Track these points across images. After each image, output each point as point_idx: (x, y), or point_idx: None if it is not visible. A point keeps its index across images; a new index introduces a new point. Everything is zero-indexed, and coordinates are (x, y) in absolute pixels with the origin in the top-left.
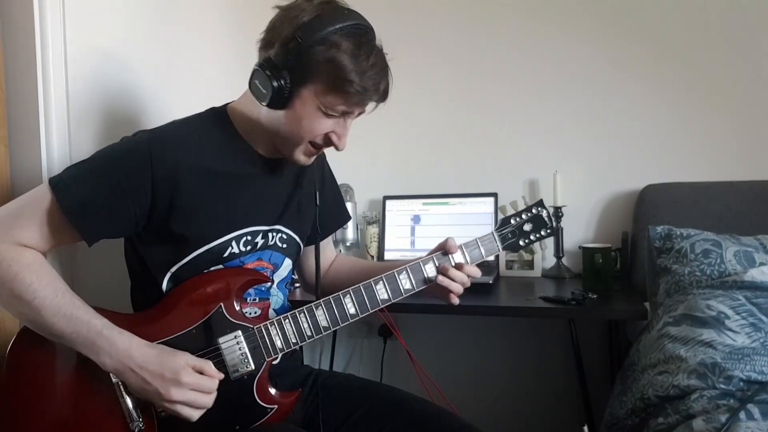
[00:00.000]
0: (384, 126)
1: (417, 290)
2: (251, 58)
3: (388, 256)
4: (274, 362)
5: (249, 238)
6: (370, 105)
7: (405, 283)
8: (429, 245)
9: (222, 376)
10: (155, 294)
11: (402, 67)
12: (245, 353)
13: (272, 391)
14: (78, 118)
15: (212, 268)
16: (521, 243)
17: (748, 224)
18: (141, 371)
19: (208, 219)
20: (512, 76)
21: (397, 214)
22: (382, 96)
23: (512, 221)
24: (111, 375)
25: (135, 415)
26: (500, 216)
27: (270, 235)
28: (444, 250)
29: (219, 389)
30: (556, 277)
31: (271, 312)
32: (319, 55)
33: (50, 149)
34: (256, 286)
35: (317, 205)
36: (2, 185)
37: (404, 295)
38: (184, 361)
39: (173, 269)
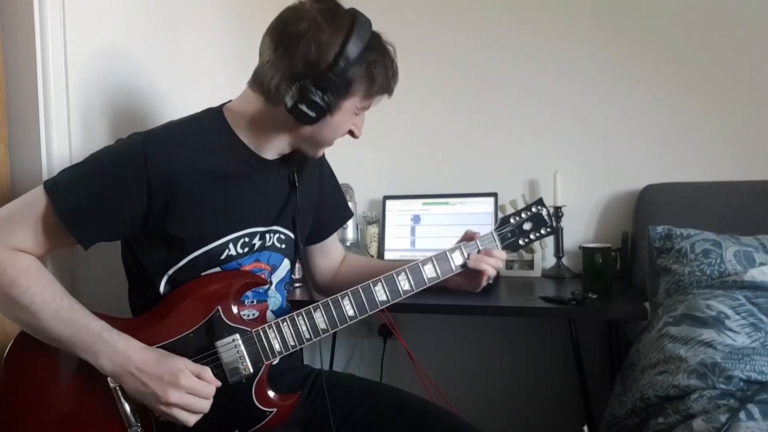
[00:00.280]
0: (384, 126)
1: (416, 291)
2: (252, 57)
3: (388, 256)
4: (273, 363)
5: (246, 240)
6: None
7: (404, 284)
8: (429, 245)
9: (219, 383)
10: (153, 297)
11: (402, 67)
12: (243, 357)
13: (271, 394)
14: (78, 118)
15: (209, 271)
16: (521, 242)
17: (748, 224)
18: (139, 374)
19: (204, 221)
20: (512, 76)
21: (397, 214)
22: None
23: (511, 220)
24: (109, 379)
25: (133, 419)
26: (500, 215)
27: (267, 236)
28: (467, 238)
29: (217, 393)
30: (556, 277)
31: (269, 314)
32: (359, 73)
33: (50, 149)
34: (254, 289)
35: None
36: (2, 185)
37: (403, 297)
38: (183, 364)
39: (170, 272)
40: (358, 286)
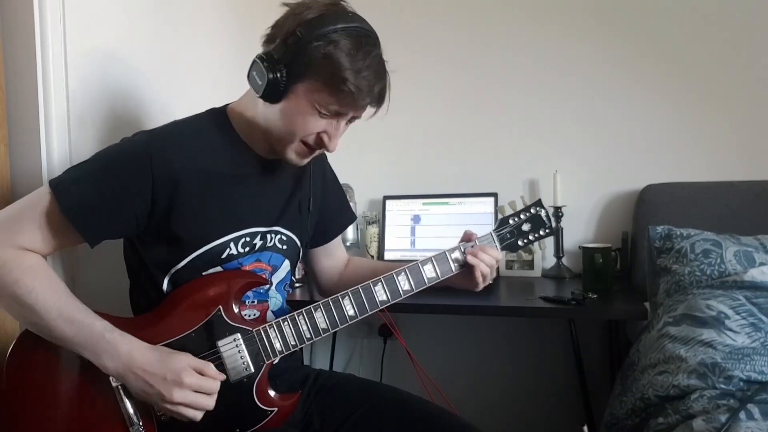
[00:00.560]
0: (384, 126)
1: (416, 291)
2: (252, 56)
3: (388, 256)
4: (274, 363)
5: (248, 239)
6: (368, 111)
7: (404, 284)
8: (429, 245)
9: (223, 377)
10: (155, 295)
11: (402, 68)
12: (244, 356)
13: (272, 393)
14: (78, 118)
15: (210, 270)
16: (520, 243)
17: (748, 224)
18: (143, 374)
19: (206, 220)
20: (512, 76)
21: (397, 214)
22: (377, 99)
23: (510, 221)
24: (111, 379)
25: (135, 419)
26: (499, 216)
27: (269, 236)
28: (466, 238)
29: (219, 392)
30: (556, 277)
31: (269, 314)
32: (316, 51)
33: (50, 149)
34: (254, 289)
35: (309, 209)
36: (2, 185)
37: (403, 297)
38: (186, 362)
39: (172, 270)
40: (359, 286)
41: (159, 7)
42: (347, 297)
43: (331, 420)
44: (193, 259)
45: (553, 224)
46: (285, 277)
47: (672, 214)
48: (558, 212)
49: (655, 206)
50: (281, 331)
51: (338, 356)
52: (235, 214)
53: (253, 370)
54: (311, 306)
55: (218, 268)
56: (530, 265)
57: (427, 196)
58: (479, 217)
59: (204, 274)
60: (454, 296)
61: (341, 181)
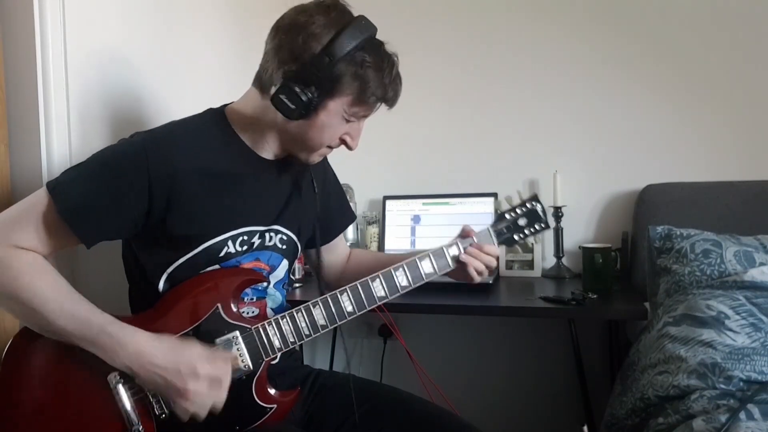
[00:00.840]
0: (384, 126)
1: (414, 286)
2: (252, 57)
3: None
4: (273, 362)
5: (245, 238)
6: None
7: (401, 280)
8: (429, 245)
9: (235, 355)
10: (153, 295)
11: (402, 68)
12: (243, 353)
13: (271, 390)
14: (78, 117)
15: (209, 269)
16: (516, 237)
17: (748, 224)
18: (154, 368)
19: (203, 218)
20: (512, 76)
21: (397, 214)
22: (397, 101)
23: (507, 216)
24: (108, 378)
25: (134, 418)
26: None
27: (267, 235)
28: (464, 234)
29: None
30: (556, 277)
31: (269, 311)
32: (347, 71)
33: (50, 149)
34: (253, 286)
35: (317, 206)
36: (2, 185)
37: (401, 292)
38: (197, 352)
39: (170, 269)
40: (357, 282)
41: (159, 8)
42: (345, 293)
43: (331, 420)
44: (190, 257)
45: (550, 220)
46: (283, 276)
47: (672, 214)
48: (558, 212)
49: (655, 206)
50: (280, 329)
51: (338, 356)
52: (232, 213)
53: (251, 367)
54: (309, 303)
55: (216, 267)
56: (530, 265)
57: (427, 196)
58: (479, 217)
59: (202, 272)
60: (454, 296)
61: (341, 181)
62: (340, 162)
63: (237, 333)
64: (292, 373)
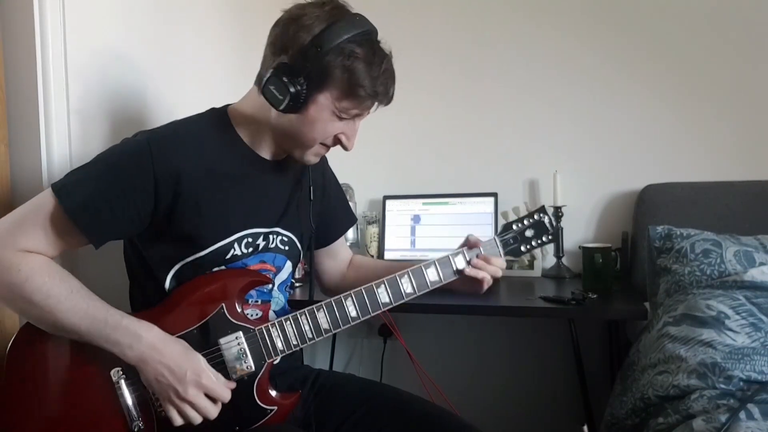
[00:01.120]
0: (384, 126)
1: (418, 294)
2: (252, 57)
3: (388, 256)
4: (274, 363)
5: (250, 240)
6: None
7: (406, 287)
8: (429, 245)
9: (233, 385)
10: (156, 294)
11: (402, 67)
12: (246, 354)
13: (272, 392)
14: (78, 117)
15: (215, 269)
16: (523, 249)
17: (748, 224)
18: (161, 366)
19: (209, 220)
20: (512, 76)
21: (397, 214)
22: (390, 99)
23: (514, 227)
24: (111, 373)
25: (135, 413)
26: (501, 221)
27: (270, 237)
28: (470, 244)
29: None
30: (556, 277)
31: (271, 314)
32: (335, 63)
33: (50, 149)
34: (257, 288)
35: (311, 202)
36: (2, 185)
37: (405, 299)
38: (206, 365)
39: (177, 266)
40: (362, 287)
41: (159, 7)
42: (350, 298)
43: (331, 420)
44: (197, 258)
45: (555, 231)
46: (287, 278)
47: (672, 214)
48: (558, 212)
49: (655, 206)
50: (283, 331)
51: (338, 356)
52: (237, 215)
53: (254, 368)
54: (314, 306)
55: (222, 268)
56: (530, 264)
57: (427, 196)
58: (479, 217)
59: (208, 272)
60: (454, 296)
61: (341, 181)
62: (340, 162)
63: (240, 333)
64: (293, 373)
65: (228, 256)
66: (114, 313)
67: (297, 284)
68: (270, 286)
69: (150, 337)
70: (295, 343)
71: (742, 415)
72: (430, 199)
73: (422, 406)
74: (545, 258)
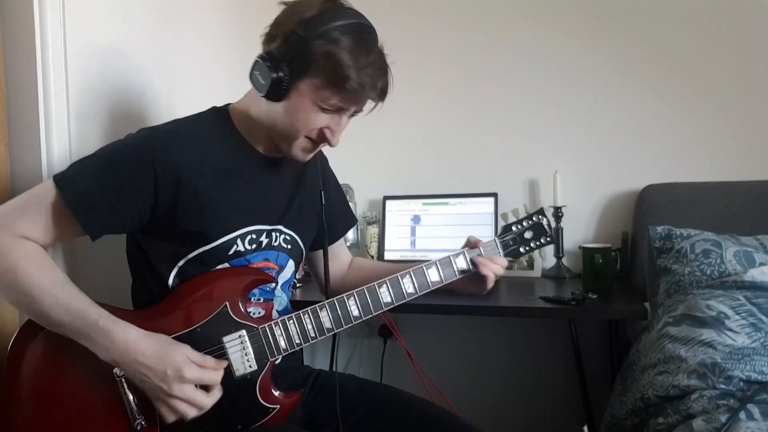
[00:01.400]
0: (384, 126)
1: (420, 294)
2: (252, 57)
3: (388, 256)
4: (276, 362)
5: (254, 236)
6: (368, 105)
7: (408, 287)
8: (429, 245)
9: (225, 364)
10: (159, 290)
11: (402, 68)
12: (249, 353)
13: (275, 391)
14: (78, 117)
15: (218, 267)
16: (522, 250)
17: (748, 224)
18: (138, 365)
19: (211, 216)
20: (512, 76)
21: (397, 214)
22: (380, 95)
23: (513, 228)
24: (115, 370)
25: (137, 411)
26: (501, 223)
27: (273, 234)
28: (470, 245)
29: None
30: (556, 277)
31: (274, 313)
32: (318, 49)
33: (50, 149)
34: (260, 287)
35: (323, 205)
36: (2, 185)
37: (407, 299)
38: (185, 354)
39: (180, 264)
40: (364, 287)
41: (159, 7)
42: (352, 297)
43: (332, 420)
44: (200, 254)
45: (550, 220)
46: (290, 277)
47: (672, 214)
48: (558, 212)
49: (655, 206)
50: (286, 330)
51: (338, 356)
52: (239, 211)
53: (256, 366)
54: (317, 305)
55: (225, 265)
56: (530, 265)
57: (427, 196)
58: (479, 217)
59: (211, 270)
60: (454, 296)
61: (341, 181)
62: (341, 162)
63: (244, 332)
64: (293, 373)
65: (231, 252)
66: (93, 312)
67: (298, 285)
68: (273, 284)
69: (124, 338)
70: (297, 341)
71: (742, 415)
72: (430, 200)
73: (422, 406)
74: (545, 258)
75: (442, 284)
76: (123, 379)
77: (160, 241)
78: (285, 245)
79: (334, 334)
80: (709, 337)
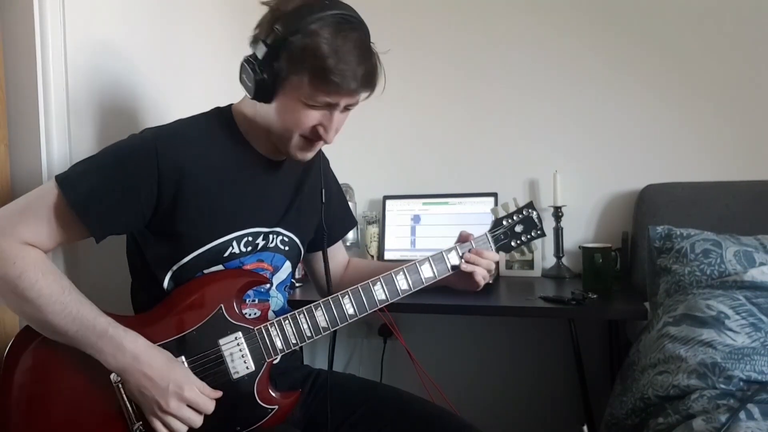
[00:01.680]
0: (384, 126)
1: (414, 290)
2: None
3: (388, 256)
4: (274, 362)
5: (250, 239)
6: (362, 96)
7: (402, 284)
8: (429, 245)
9: (219, 394)
10: (156, 293)
11: (402, 67)
12: (245, 354)
13: (272, 391)
14: (78, 117)
15: (212, 269)
16: (513, 244)
17: (748, 224)
18: (143, 377)
19: (209, 218)
20: (512, 76)
21: (397, 214)
22: (365, 83)
23: (504, 222)
24: (112, 376)
25: (134, 417)
26: (491, 217)
27: (271, 236)
28: (462, 240)
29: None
30: (556, 277)
31: (270, 313)
32: (297, 44)
33: (50, 149)
34: (255, 288)
35: (323, 204)
36: (2, 185)
37: (401, 296)
38: (189, 377)
39: (174, 267)
40: (358, 285)
41: (159, 7)
42: (347, 296)
43: (331, 420)
44: (195, 256)
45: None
46: (286, 278)
47: (672, 214)
48: (558, 212)
49: (655, 206)
50: (282, 330)
51: (338, 356)
52: (238, 213)
53: (254, 367)
54: (312, 305)
55: (220, 267)
56: (530, 265)
57: (427, 196)
58: (479, 217)
59: (205, 272)
60: (454, 296)
61: (341, 181)
62: (341, 162)
63: (239, 333)
64: (293, 373)
65: (226, 254)
66: (102, 320)
67: (297, 285)
68: (267, 285)
69: (133, 348)
70: (294, 341)
71: (742, 415)
72: (430, 199)
73: (422, 406)
74: (545, 258)
75: (435, 280)
76: (120, 385)
77: (157, 242)
78: (282, 246)
79: (335, 333)
80: (709, 336)
